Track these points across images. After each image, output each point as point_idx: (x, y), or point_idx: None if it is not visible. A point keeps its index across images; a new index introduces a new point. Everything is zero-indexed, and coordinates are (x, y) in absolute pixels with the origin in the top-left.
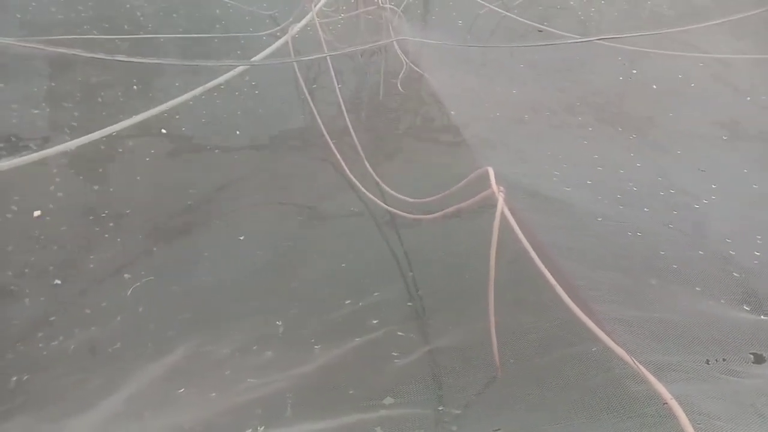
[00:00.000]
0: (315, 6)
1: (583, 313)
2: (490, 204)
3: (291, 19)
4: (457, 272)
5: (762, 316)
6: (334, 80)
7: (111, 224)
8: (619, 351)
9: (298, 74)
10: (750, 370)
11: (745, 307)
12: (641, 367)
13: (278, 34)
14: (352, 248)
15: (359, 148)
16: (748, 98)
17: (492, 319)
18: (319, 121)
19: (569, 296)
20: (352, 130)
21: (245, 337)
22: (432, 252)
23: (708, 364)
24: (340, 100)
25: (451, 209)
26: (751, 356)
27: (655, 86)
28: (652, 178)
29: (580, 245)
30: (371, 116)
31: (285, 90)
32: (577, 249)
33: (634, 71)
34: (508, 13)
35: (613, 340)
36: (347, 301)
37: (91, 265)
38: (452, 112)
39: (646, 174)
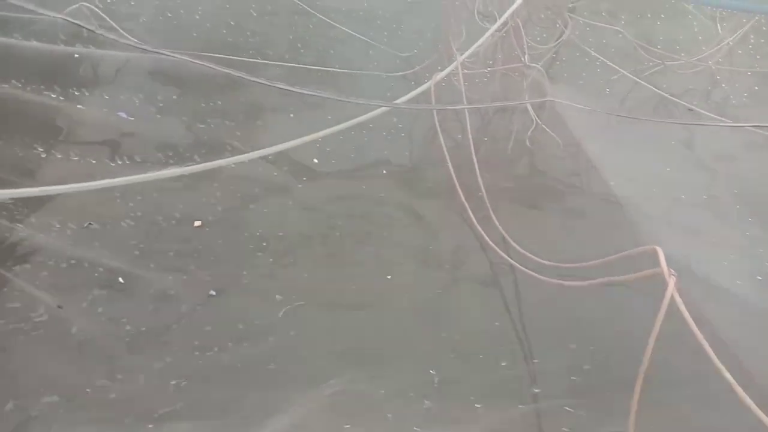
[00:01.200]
0: (461, 56)
1: None
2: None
3: (425, 64)
4: (624, 353)
5: None
6: (469, 133)
7: (264, 243)
8: None
9: (437, 123)
10: None
11: None
12: None
13: (411, 77)
14: (502, 308)
15: (492, 213)
16: None
17: (634, 407)
18: (456, 182)
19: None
20: (485, 193)
21: (399, 380)
22: (591, 324)
23: None
24: (474, 158)
25: (605, 280)
26: None
27: None
28: None
29: (760, 346)
30: (506, 174)
31: (424, 136)
32: (757, 349)
33: None
34: (664, 93)
35: None
36: (503, 363)
37: (245, 281)
38: (612, 183)
39: None
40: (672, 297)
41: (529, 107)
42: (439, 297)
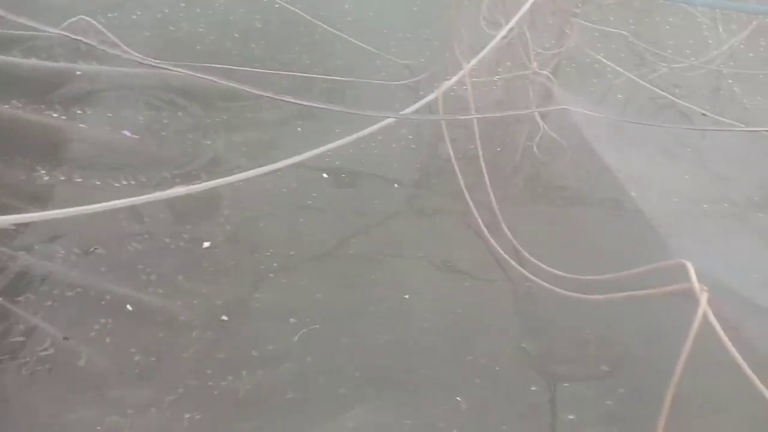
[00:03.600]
0: (467, 64)
1: None
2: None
3: (429, 72)
4: (658, 373)
5: None
6: (479, 143)
7: (275, 264)
8: None
9: (446, 134)
10: None
11: None
12: None
13: (413, 86)
14: (525, 326)
15: (505, 229)
16: None
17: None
18: (467, 195)
19: None
20: (495, 206)
21: (425, 408)
22: (621, 343)
23: None
24: (483, 167)
25: (632, 294)
26: None
27: None
28: None
29: None
30: (516, 184)
31: (434, 148)
32: None
33: None
34: (674, 98)
35: None
36: (533, 388)
37: (257, 305)
38: (633, 194)
39: None
40: (704, 313)
41: (536, 115)
42: (460, 317)
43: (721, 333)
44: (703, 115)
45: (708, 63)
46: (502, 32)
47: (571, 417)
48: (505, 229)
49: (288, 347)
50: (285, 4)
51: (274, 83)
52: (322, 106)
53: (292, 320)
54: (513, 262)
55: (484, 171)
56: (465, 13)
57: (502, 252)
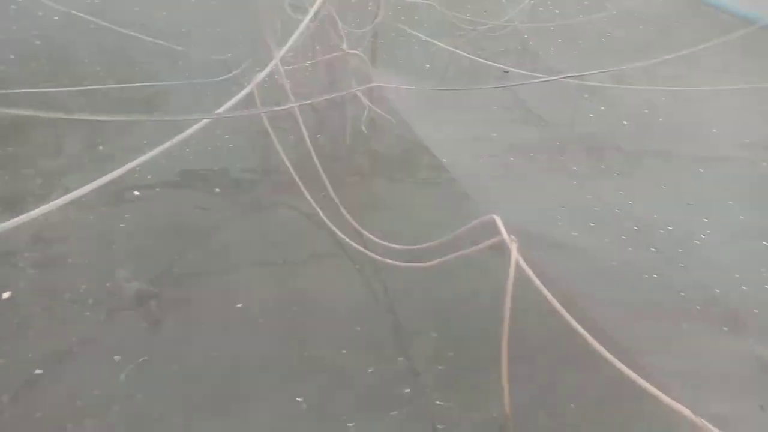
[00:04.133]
0: (278, 53)
1: (630, 368)
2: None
3: (245, 65)
4: (484, 329)
5: None
6: (304, 131)
7: (90, 301)
8: (679, 407)
9: (268, 125)
10: None
11: None
12: (707, 423)
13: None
14: (360, 309)
15: (338, 202)
16: (714, 129)
17: (505, 374)
18: (297, 178)
19: (608, 350)
20: (328, 184)
21: (266, 419)
22: (446, 307)
23: (763, 410)
24: (312, 153)
25: (453, 255)
26: None
27: (625, 122)
28: (648, 217)
29: (605, 294)
30: (348, 166)
31: (255, 143)
32: (603, 298)
33: (602, 108)
34: (478, 58)
35: (669, 396)
36: (370, 370)
37: (74, 349)
38: (444, 160)
39: (642, 212)
40: (517, 262)
41: (360, 94)
42: (296, 313)
43: (533, 276)
44: (506, 72)
45: (510, 22)
46: (309, 15)
47: (407, 390)
48: (344, 211)
49: (116, 388)
50: (76, 12)
51: (67, 102)
52: (122, 118)
53: (116, 357)
54: (353, 243)
55: (314, 156)
56: (270, 1)
57: (342, 234)
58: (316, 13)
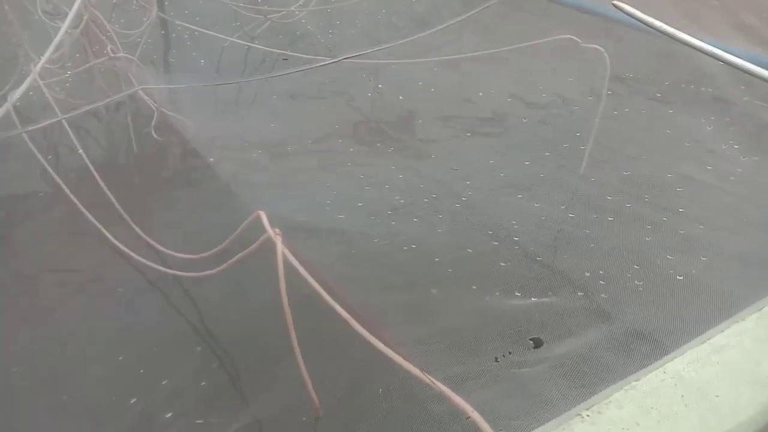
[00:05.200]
0: (35, 66)
1: (379, 340)
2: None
3: (9, 86)
4: (255, 328)
5: (532, 299)
6: (76, 143)
7: None
8: (415, 371)
9: (31, 145)
10: (532, 356)
11: (516, 293)
12: (439, 384)
13: None
14: (129, 332)
15: (121, 210)
16: (480, 93)
17: (300, 361)
18: (67, 190)
19: (363, 328)
20: (108, 192)
21: None
22: (222, 314)
23: (497, 361)
24: (88, 163)
25: (231, 262)
26: (531, 342)
27: (401, 96)
28: (414, 187)
29: (363, 272)
30: (127, 173)
31: (20, 165)
32: (361, 276)
33: (380, 86)
34: (253, 44)
35: (409, 362)
36: (132, 401)
37: None
38: (211, 159)
39: (409, 184)
40: (284, 254)
41: (144, 96)
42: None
43: (299, 266)
44: (285, 59)
45: (302, 8)
46: (68, 21)
47: (168, 416)
48: (129, 220)
49: None
50: None
51: None
52: None
53: None
54: (132, 253)
55: (91, 167)
56: (19, 10)
57: (122, 247)
58: (74, 19)
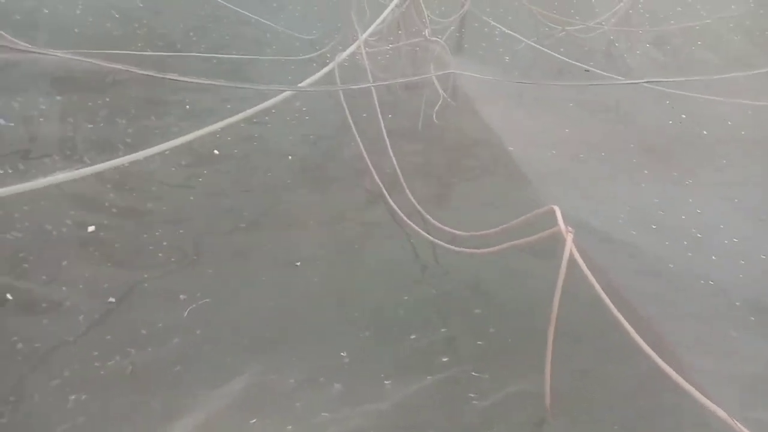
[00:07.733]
0: (362, 35)
1: (668, 364)
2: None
3: (330, 45)
4: (526, 314)
5: None
6: (378, 112)
7: (165, 243)
8: (714, 407)
9: (344, 104)
10: None
11: None
12: (742, 427)
13: (316, 59)
14: (410, 281)
15: (405, 185)
16: None
17: (548, 363)
18: (368, 160)
19: (650, 345)
20: (397, 167)
21: (309, 367)
22: (497, 290)
23: None
24: (384, 135)
25: (509, 244)
26: None
27: (705, 132)
28: (715, 225)
29: (655, 292)
30: (419, 150)
31: (331, 117)
32: (653, 296)
33: (683, 116)
34: (559, 55)
35: (705, 395)
36: (413, 336)
37: (146, 285)
38: (510, 148)
39: (708, 220)
40: (571, 253)
41: (436, 82)
42: (350, 277)
43: (585, 267)
44: (587, 71)
45: (601, 25)
46: (394, 2)
47: (445, 359)
48: (407, 191)
49: (177, 323)
50: None
51: (159, 63)
52: (211, 82)
53: (182, 296)
54: (408, 221)
55: (385, 135)
56: None
57: (400, 212)
58: (403, 0)
